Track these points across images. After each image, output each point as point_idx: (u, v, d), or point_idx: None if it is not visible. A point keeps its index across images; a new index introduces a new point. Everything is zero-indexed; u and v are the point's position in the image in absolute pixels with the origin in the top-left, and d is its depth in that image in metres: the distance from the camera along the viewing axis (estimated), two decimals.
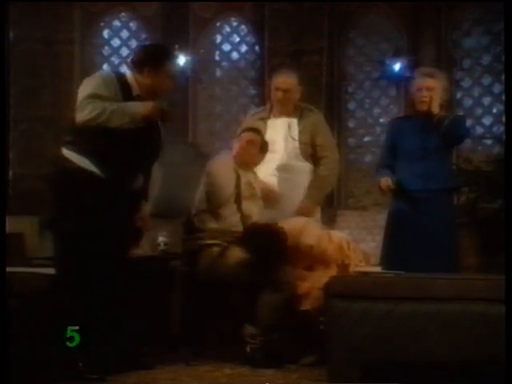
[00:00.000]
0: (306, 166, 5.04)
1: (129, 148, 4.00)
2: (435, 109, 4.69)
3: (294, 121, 5.05)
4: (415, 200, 4.69)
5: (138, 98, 4.07)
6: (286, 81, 5.05)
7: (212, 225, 4.61)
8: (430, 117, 4.69)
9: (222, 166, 4.71)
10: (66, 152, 4.00)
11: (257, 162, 4.84)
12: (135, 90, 4.09)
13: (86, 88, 3.99)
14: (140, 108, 3.99)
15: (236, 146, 4.80)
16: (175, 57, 4.30)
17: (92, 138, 3.95)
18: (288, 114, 5.07)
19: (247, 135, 4.82)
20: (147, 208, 4.30)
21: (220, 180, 4.63)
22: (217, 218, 4.61)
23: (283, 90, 5.01)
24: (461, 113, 7.06)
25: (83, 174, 3.95)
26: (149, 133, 4.08)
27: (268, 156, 4.90)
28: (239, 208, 4.66)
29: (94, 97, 3.93)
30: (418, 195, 4.69)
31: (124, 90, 4.04)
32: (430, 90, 4.69)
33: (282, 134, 5.02)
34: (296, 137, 5.02)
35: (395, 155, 4.88)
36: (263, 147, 4.83)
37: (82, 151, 3.97)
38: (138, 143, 4.02)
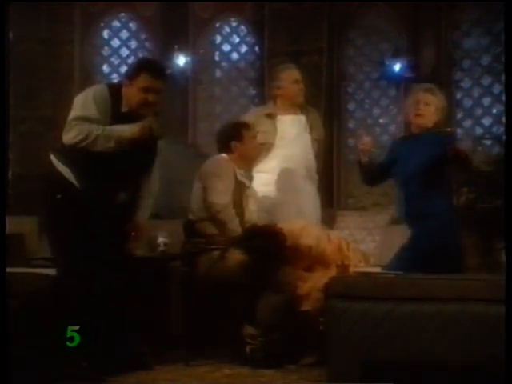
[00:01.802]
0: (312, 163, 5.06)
1: (114, 167, 3.96)
2: (430, 123, 4.49)
3: (303, 117, 5.08)
4: (412, 224, 4.44)
5: (126, 115, 3.97)
6: (297, 73, 5.09)
7: (212, 231, 4.57)
8: (425, 133, 4.48)
9: (220, 170, 4.62)
10: (53, 159, 4.05)
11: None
12: (124, 105, 4.00)
13: (75, 108, 3.96)
14: (126, 131, 3.91)
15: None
16: (157, 70, 4.05)
17: (77, 153, 3.94)
18: (295, 111, 5.08)
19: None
20: (142, 215, 4.27)
21: (219, 185, 4.55)
22: (216, 225, 4.56)
23: (300, 81, 5.04)
24: (461, 113, 7.07)
25: (65, 184, 3.98)
26: (138, 152, 4.00)
27: (279, 151, 4.91)
28: (238, 212, 4.62)
29: (80, 119, 3.90)
30: (413, 220, 4.44)
31: (114, 104, 3.97)
32: (428, 104, 4.50)
33: (294, 130, 5.03)
34: (308, 133, 5.04)
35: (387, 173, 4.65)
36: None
37: (67, 162, 4.00)
38: (124, 163, 3.96)
